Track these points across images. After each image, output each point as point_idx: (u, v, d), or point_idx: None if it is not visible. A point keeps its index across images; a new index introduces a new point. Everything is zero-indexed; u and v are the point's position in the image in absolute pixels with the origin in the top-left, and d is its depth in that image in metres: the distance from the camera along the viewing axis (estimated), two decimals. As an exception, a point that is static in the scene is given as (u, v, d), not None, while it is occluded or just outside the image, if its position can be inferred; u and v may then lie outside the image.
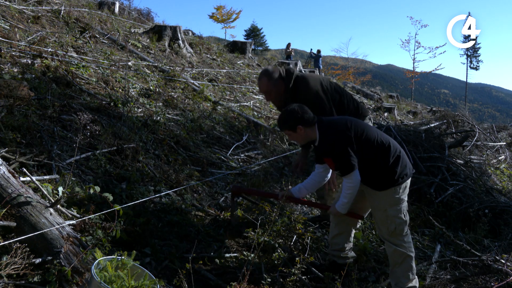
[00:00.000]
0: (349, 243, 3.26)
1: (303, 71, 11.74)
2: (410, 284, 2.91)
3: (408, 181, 2.90)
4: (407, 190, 2.92)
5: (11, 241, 2.17)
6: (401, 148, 2.92)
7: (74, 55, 6.25)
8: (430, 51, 32.96)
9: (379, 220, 2.93)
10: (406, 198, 2.92)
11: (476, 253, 3.54)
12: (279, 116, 2.97)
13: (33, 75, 4.78)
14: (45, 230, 2.32)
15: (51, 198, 2.73)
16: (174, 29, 9.62)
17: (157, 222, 3.33)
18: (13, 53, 5.21)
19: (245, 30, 55.02)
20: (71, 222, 2.68)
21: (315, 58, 20.13)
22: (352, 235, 3.29)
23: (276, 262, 3.17)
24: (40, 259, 2.24)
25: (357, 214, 3.13)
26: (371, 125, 3.54)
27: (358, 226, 3.44)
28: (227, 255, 3.19)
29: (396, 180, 2.81)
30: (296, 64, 14.38)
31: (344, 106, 3.43)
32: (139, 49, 8.37)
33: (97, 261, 2.03)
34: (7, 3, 7.05)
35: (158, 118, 5.34)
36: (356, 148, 2.76)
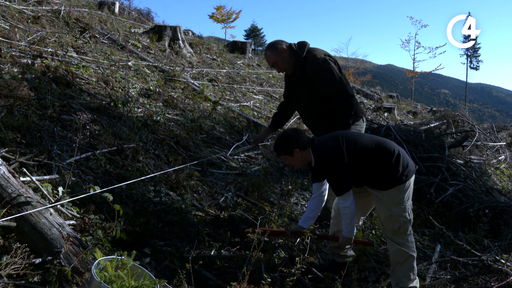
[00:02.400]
0: None
1: None
2: (411, 284, 2.91)
3: (412, 179, 2.91)
4: (411, 188, 2.92)
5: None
6: (399, 147, 2.93)
7: (74, 55, 6.25)
8: (430, 51, 32.85)
9: (384, 219, 2.93)
10: (410, 197, 2.92)
11: (476, 253, 3.54)
12: (275, 142, 3.01)
13: (33, 75, 4.78)
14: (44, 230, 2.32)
15: (51, 198, 2.73)
16: (174, 29, 9.62)
17: (157, 222, 3.33)
18: (13, 53, 5.21)
19: (245, 30, 55.00)
20: (71, 222, 2.69)
21: None
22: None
23: (276, 262, 3.17)
24: (40, 259, 2.24)
25: (365, 241, 3.24)
26: (362, 129, 3.57)
27: (360, 223, 3.43)
28: (227, 255, 3.19)
29: (399, 178, 2.82)
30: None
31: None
32: (139, 49, 8.37)
33: (97, 261, 2.03)
34: (7, 3, 7.05)
35: (158, 118, 5.34)
36: (354, 160, 2.80)
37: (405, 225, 2.87)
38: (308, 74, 3.38)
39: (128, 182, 3.39)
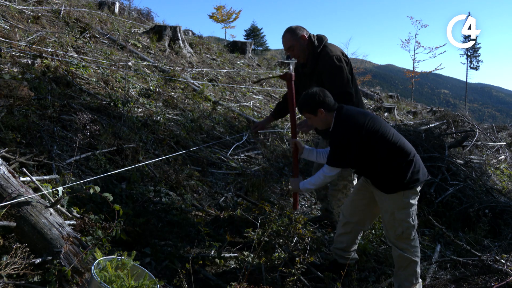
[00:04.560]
0: (354, 245, 3.18)
1: None
2: None
3: (419, 188, 2.81)
4: (418, 194, 2.84)
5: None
6: (416, 152, 2.82)
7: (74, 55, 6.25)
8: (430, 51, 32.79)
9: (387, 222, 2.86)
10: (416, 202, 2.84)
11: (476, 253, 3.54)
12: (300, 98, 2.89)
13: (33, 75, 4.78)
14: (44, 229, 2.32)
15: (51, 198, 2.73)
16: (174, 29, 9.62)
17: (157, 222, 3.33)
18: (13, 53, 5.21)
19: (245, 30, 55.10)
20: (71, 222, 2.69)
21: None
22: (359, 238, 3.20)
23: (276, 262, 3.17)
24: (40, 259, 2.23)
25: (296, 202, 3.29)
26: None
27: (368, 227, 3.39)
28: (227, 255, 3.19)
29: (405, 184, 2.72)
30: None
31: (353, 94, 3.42)
32: (139, 49, 8.37)
33: (97, 261, 2.03)
34: (7, 3, 7.05)
35: (158, 118, 5.34)
36: (366, 144, 2.71)
37: (408, 231, 2.79)
38: (320, 68, 3.36)
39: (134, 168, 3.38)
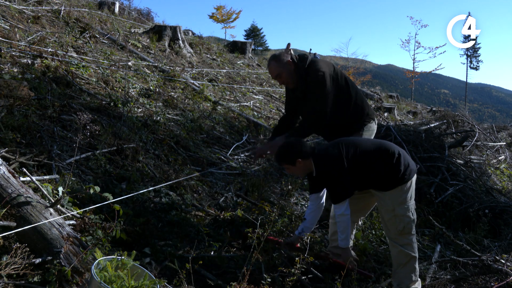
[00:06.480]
0: (351, 240, 3.23)
1: None
2: (413, 286, 2.91)
3: (414, 178, 2.91)
4: (414, 187, 2.93)
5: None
6: (399, 148, 2.94)
7: (74, 55, 6.25)
8: (430, 51, 32.87)
9: (388, 220, 2.92)
10: (413, 196, 2.92)
11: (476, 253, 3.54)
12: (277, 151, 3.00)
13: (33, 75, 4.78)
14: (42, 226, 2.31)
15: (51, 198, 2.73)
16: (174, 29, 9.62)
17: (157, 222, 3.33)
18: (13, 53, 5.21)
19: (245, 30, 55.12)
20: (71, 222, 2.69)
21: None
22: (353, 234, 3.27)
23: (276, 262, 3.17)
24: (40, 259, 2.23)
25: (365, 273, 3.16)
26: (374, 131, 3.49)
27: (360, 223, 3.41)
28: (227, 255, 3.19)
29: (401, 178, 2.82)
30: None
31: (351, 98, 3.37)
32: (139, 49, 8.37)
33: (97, 261, 2.03)
34: (7, 3, 7.05)
35: (158, 118, 5.34)
36: (355, 165, 2.81)
37: (409, 225, 2.86)
38: (309, 87, 3.29)
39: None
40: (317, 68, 3.26)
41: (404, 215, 2.85)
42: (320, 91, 3.23)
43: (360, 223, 3.40)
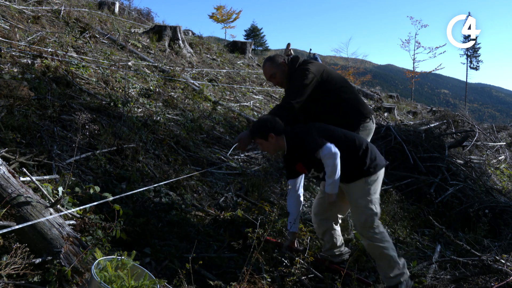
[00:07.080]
0: (338, 237, 3.27)
1: None
2: (397, 272, 2.90)
3: (380, 172, 2.93)
4: (380, 182, 2.96)
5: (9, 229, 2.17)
6: (369, 142, 3.00)
7: (74, 55, 6.25)
8: (430, 51, 32.93)
9: (353, 212, 3.00)
10: (378, 191, 2.95)
11: (476, 253, 3.54)
12: (252, 125, 3.07)
13: (33, 75, 4.78)
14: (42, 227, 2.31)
15: (51, 198, 2.73)
16: (174, 29, 9.62)
17: (157, 222, 3.32)
18: (13, 53, 5.21)
19: (245, 30, 55.18)
20: (71, 222, 2.69)
21: (312, 59, 20.14)
22: (338, 229, 3.28)
23: (276, 262, 3.17)
24: (40, 259, 2.23)
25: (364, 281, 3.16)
26: (371, 130, 3.48)
27: (339, 222, 3.39)
28: (227, 255, 3.19)
29: (366, 171, 2.86)
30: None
31: (344, 99, 3.34)
32: (139, 49, 8.37)
33: (97, 261, 2.03)
34: (7, 3, 7.05)
35: (158, 118, 5.34)
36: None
37: (371, 218, 2.87)
38: (290, 80, 3.32)
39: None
40: (304, 68, 3.30)
41: (367, 207, 2.87)
42: (295, 85, 3.25)
43: (339, 222, 3.37)
